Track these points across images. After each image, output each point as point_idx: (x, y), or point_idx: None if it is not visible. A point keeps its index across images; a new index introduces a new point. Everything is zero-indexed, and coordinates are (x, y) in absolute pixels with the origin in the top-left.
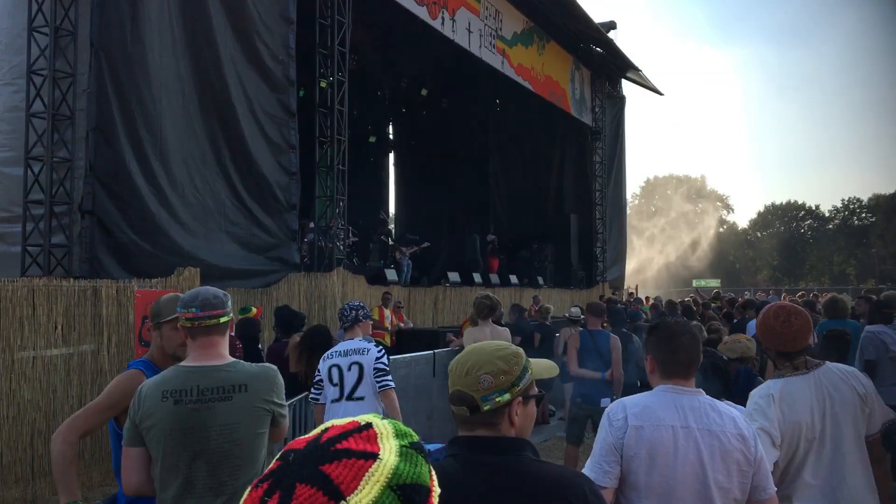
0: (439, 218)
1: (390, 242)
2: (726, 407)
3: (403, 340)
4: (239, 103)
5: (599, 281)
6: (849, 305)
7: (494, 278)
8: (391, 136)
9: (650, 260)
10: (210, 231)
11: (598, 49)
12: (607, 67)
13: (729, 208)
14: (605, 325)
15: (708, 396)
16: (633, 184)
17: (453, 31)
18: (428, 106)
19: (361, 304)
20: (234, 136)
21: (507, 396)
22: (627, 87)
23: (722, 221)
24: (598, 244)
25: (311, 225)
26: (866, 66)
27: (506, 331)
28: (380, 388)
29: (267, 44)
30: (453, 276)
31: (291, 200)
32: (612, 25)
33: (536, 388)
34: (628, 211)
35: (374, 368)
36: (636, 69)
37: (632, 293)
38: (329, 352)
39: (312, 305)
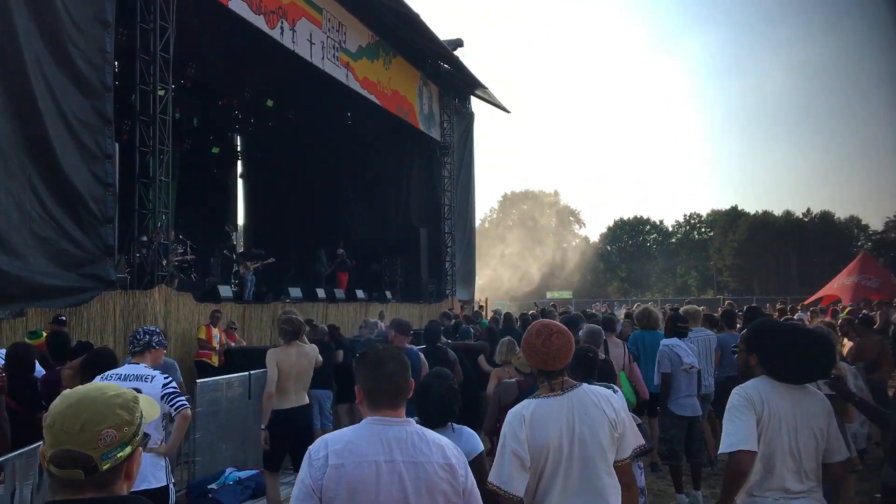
0: (289, 231)
1: (234, 257)
2: (435, 435)
3: (234, 360)
4: (46, 108)
5: (449, 294)
6: (660, 317)
7: (340, 293)
8: (238, 148)
9: (506, 272)
10: (14, 246)
11: (445, 66)
12: (455, 84)
13: (581, 223)
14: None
15: (417, 426)
16: (491, 199)
17: (293, 42)
18: (275, 117)
19: (157, 331)
20: (40, 144)
21: (128, 450)
22: (479, 104)
23: (574, 235)
24: (447, 258)
25: (144, 239)
26: (709, 87)
27: (313, 347)
28: (177, 409)
29: (79, 47)
30: (294, 292)
31: (107, 213)
32: (458, 43)
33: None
34: (486, 225)
35: (165, 394)
36: (483, 87)
37: (481, 306)
38: (108, 372)
39: (130, 326)
